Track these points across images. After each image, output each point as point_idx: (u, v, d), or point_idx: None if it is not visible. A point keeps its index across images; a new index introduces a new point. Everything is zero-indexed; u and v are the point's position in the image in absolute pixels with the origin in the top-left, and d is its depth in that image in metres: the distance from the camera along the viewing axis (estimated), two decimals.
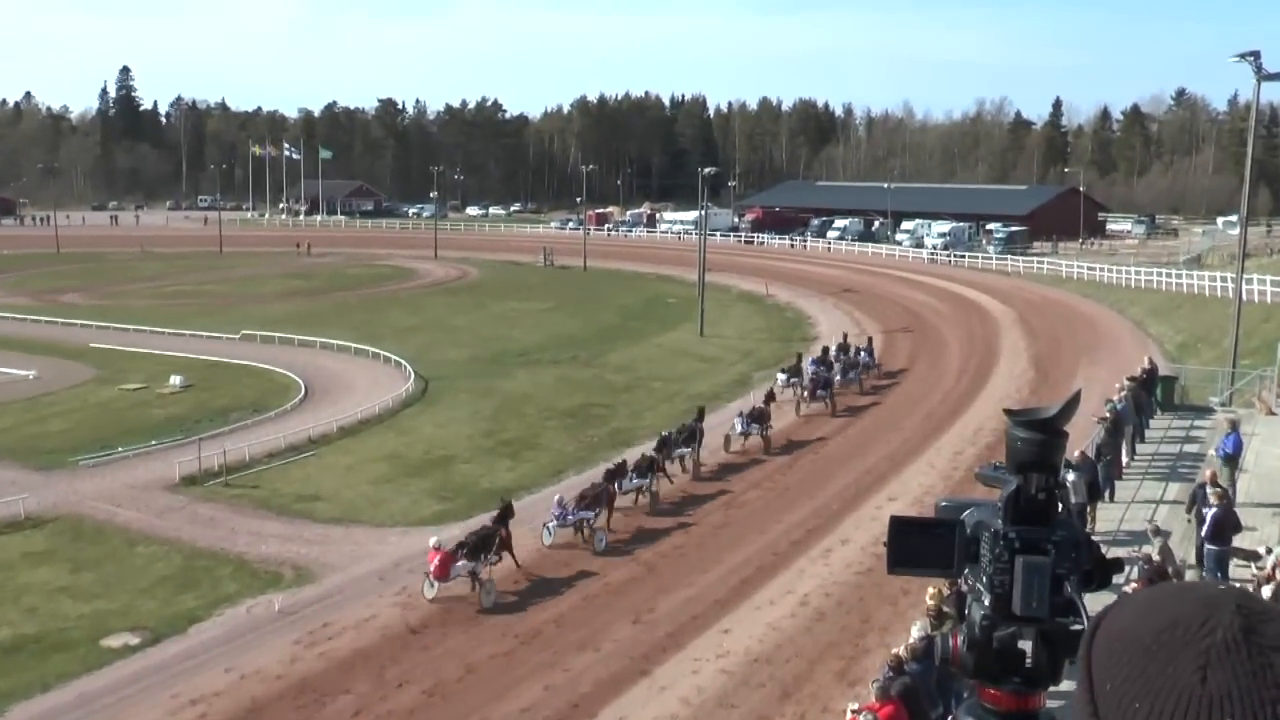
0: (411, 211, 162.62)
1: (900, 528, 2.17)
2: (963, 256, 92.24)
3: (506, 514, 24.93)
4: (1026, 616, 2.01)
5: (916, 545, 2.15)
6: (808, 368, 42.57)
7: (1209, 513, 17.85)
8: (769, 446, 35.29)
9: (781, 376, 42.24)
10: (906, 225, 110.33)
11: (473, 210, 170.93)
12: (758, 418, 35.81)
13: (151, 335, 57.91)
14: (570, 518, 27.01)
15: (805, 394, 40.87)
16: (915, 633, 15.44)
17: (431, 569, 23.34)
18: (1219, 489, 18.61)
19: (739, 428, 35.39)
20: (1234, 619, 1.36)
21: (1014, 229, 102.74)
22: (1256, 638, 1.35)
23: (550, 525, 26.78)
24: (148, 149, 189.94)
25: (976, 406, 41.34)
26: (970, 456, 33.76)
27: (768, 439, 35.55)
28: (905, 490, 31.09)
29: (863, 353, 47.56)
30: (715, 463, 34.24)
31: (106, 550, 27.48)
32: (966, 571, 2.13)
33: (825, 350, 46.40)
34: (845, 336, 50.00)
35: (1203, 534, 18.03)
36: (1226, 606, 1.38)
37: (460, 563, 23.33)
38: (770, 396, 38.90)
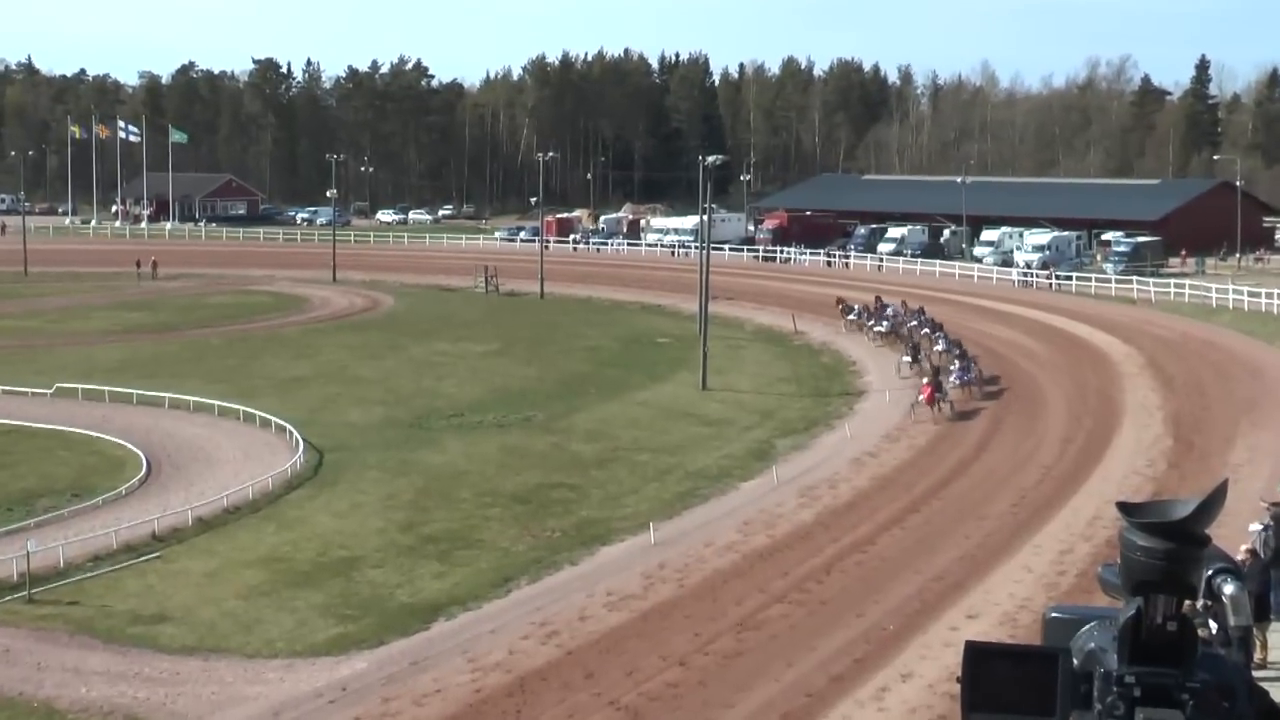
0: (300, 217, 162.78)
1: (981, 658, 2.12)
2: (1068, 278, 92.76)
3: (936, 374, 54.80)
4: None
5: (1003, 682, 2.10)
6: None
7: None
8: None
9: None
10: (989, 235, 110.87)
11: (386, 216, 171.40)
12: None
13: None
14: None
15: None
16: None
17: (924, 397, 52.23)
18: None
19: None
20: None
21: (1141, 240, 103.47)
22: None
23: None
24: None
25: (1090, 487, 41.35)
26: (1083, 556, 33.73)
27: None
28: (990, 604, 30.99)
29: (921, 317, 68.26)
30: (722, 566, 34.12)
31: None
32: None
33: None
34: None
35: None
36: None
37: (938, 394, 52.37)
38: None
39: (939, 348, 63.18)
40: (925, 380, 54.50)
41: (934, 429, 50.05)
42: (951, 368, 57.54)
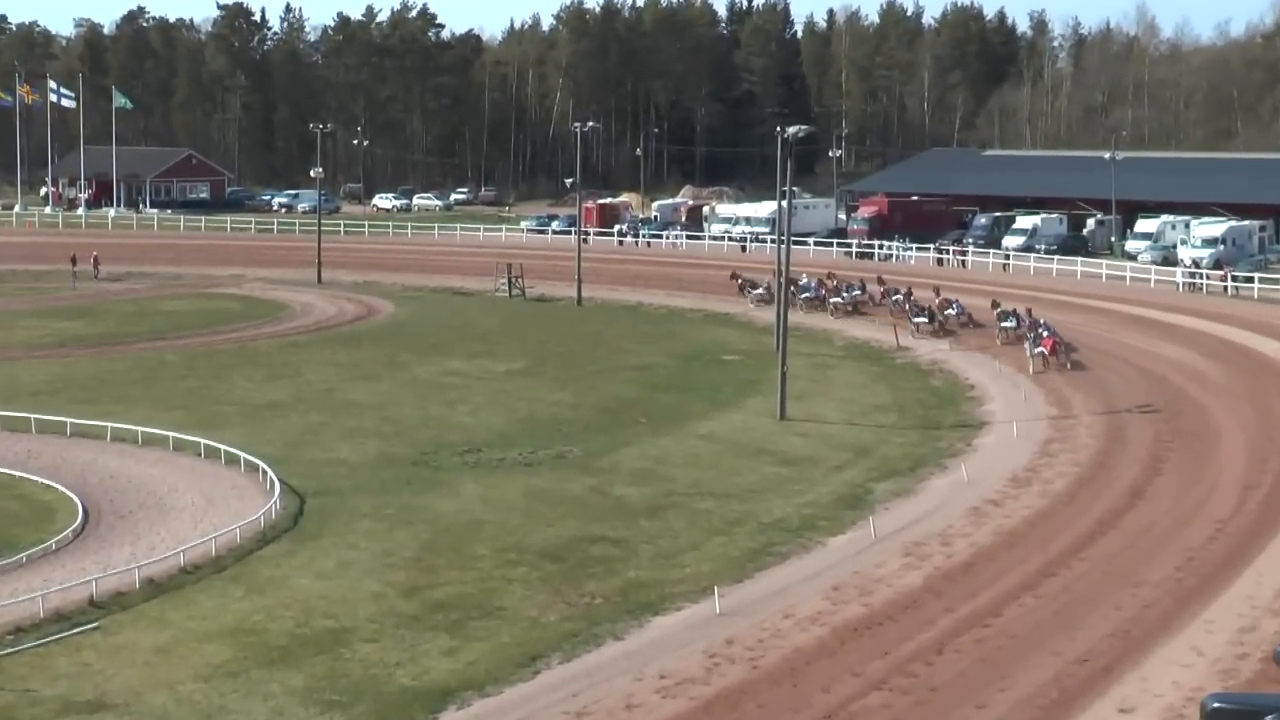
0: (278, 203, 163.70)
1: None
2: (1249, 280, 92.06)
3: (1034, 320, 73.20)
4: None
5: None
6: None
7: None
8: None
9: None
10: (1145, 225, 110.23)
11: (384, 201, 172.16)
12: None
13: None
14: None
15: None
16: None
17: (1047, 350, 67.91)
18: None
19: None
20: None
21: None
22: None
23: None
24: None
25: (1279, 547, 41.04)
26: (1269, 635, 33.42)
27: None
28: (1149, 695, 30.70)
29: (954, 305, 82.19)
30: (805, 643, 33.96)
31: None
32: None
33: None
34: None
35: None
36: None
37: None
38: None
39: (951, 311, 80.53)
40: (1045, 333, 69.94)
41: (1074, 471, 49.83)
42: (1007, 322, 76.23)
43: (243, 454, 50.73)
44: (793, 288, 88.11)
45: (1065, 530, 43.22)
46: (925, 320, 79.41)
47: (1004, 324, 76.71)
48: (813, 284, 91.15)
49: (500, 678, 32.43)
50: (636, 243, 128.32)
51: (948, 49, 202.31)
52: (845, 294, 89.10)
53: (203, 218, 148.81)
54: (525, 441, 55.45)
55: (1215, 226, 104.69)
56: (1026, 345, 70.97)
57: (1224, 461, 51.16)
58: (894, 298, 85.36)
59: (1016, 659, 32.97)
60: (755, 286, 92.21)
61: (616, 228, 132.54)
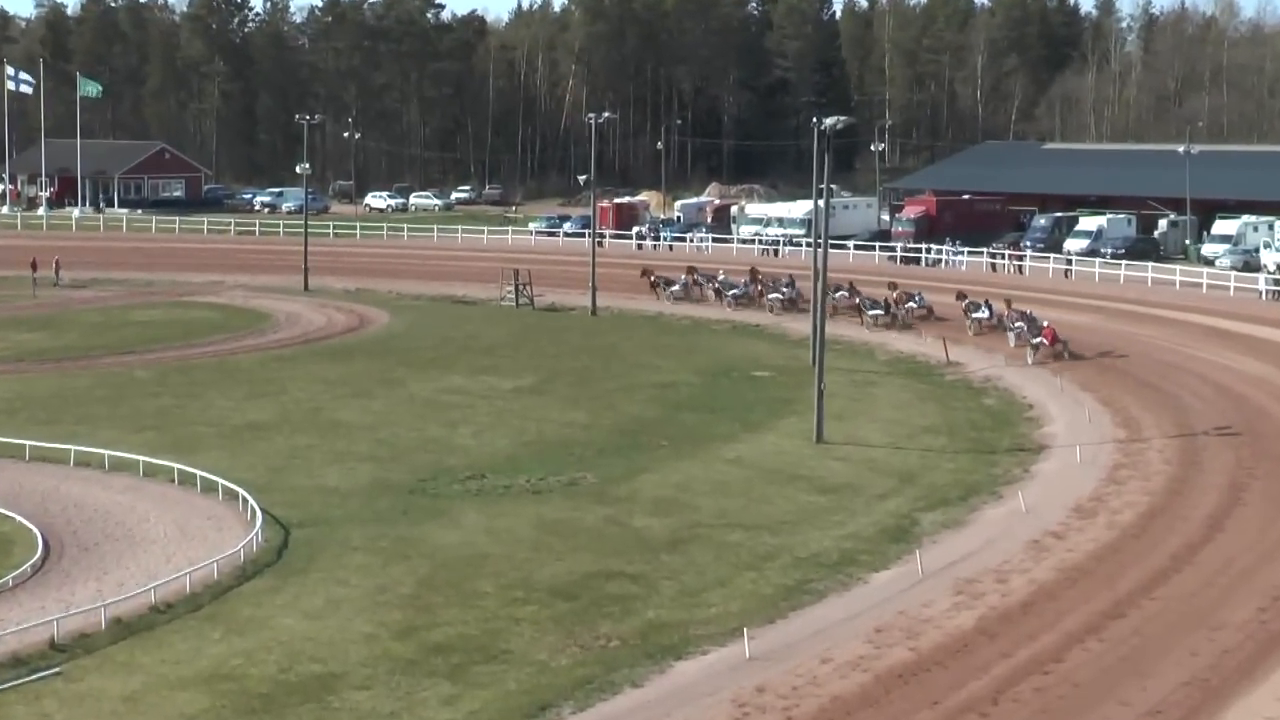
0: (260, 202, 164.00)
1: None
2: None
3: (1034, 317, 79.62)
4: None
5: None
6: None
7: None
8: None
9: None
10: (1224, 227, 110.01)
11: (378, 200, 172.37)
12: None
13: None
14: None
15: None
16: None
17: (1047, 341, 74.83)
18: None
19: None
20: None
21: None
22: None
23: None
24: None
25: None
26: None
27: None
28: None
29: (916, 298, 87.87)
30: (845, 691, 33.92)
31: None
32: None
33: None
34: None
35: None
36: None
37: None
38: None
39: (911, 305, 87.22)
40: (1045, 324, 76.61)
41: (1145, 500, 49.68)
42: (979, 312, 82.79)
43: (221, 480, 50.71)
44: (716, 284, 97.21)
45: (1135, 566, 43.07)
46: (881, 313, 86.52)
47: (975, 315, 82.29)
48: (740, 281, 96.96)
49: None
50: (657, 246, 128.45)
51: (1003, 31, 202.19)
52: (784, 290, 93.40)
53: (177, 218, 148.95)
54: (534, 466, 55.41)
55: None
56: (1010, 337, 78.53)
57: None
58: (837, 294, 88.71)
59: (1080, 710, 32.87)
60: (670, 284, 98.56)
61: (635, 230, 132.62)
